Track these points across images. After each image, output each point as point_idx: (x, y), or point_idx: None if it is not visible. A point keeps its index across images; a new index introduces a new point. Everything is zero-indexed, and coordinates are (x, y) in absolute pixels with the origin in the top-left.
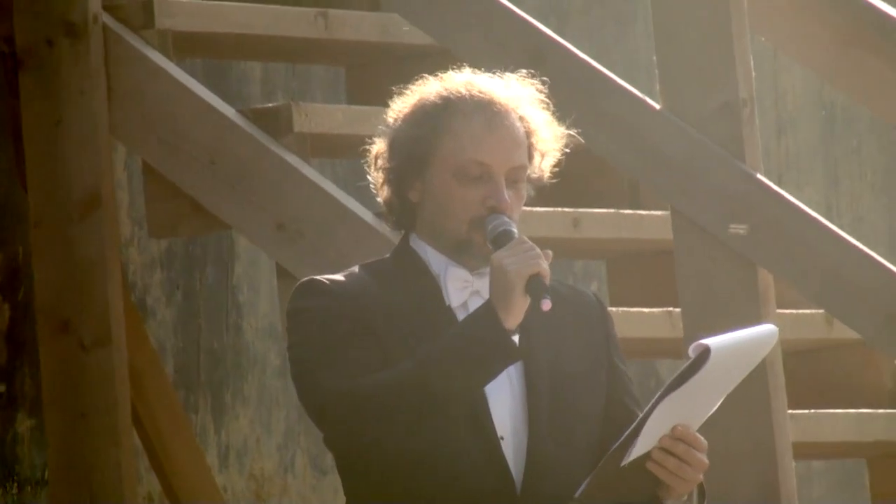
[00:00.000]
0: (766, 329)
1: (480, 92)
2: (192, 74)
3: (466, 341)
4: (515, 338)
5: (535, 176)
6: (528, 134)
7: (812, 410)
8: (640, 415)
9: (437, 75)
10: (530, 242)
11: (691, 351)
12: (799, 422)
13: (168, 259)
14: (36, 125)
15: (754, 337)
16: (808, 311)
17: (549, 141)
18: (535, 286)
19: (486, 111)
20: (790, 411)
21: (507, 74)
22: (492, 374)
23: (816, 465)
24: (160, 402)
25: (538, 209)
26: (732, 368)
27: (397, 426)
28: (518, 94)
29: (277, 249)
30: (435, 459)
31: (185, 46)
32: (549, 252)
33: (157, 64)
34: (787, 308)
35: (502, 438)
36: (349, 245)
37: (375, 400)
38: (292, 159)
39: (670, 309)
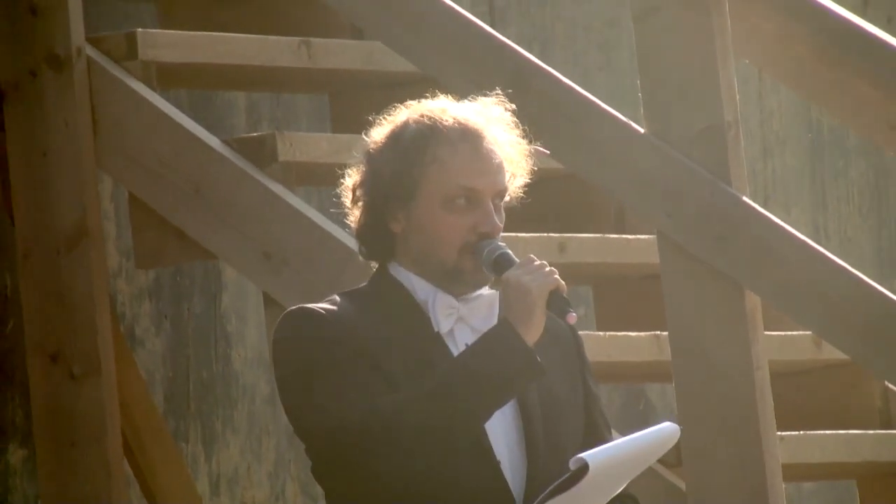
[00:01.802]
0: (666, 428)
1: (462, 118)
2: (177, 105)
3: (491, 360)
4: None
5: (507, 198)
6: (506, 156)
7: (801, 432)
8: None
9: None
10: (541, 260)
11: (571, 464)
12: (788, 444)
13: (156, 289)
14: (22, 157)
15: (650, 440)
16: (796, 332)
17: (519, 162)
18: (557, 301)
19: (470, 137)
20: (779, 433)
21: (480, 98)
22: (518, 391)
23: (807, 486)
24: (150, 431)
25: (524, 235)
26: (627, 466)
27: (417, 448)
28: (492, 117)
29: (264, 278)
30: (437, 484)
31: (169, 77)
32: (556, 269)
33: (141, 95)
34: (775, 330)
35: (499, 462)
36: (334, 273)
37: (400, 422)
38: (277, 188)
39: (657, 332)
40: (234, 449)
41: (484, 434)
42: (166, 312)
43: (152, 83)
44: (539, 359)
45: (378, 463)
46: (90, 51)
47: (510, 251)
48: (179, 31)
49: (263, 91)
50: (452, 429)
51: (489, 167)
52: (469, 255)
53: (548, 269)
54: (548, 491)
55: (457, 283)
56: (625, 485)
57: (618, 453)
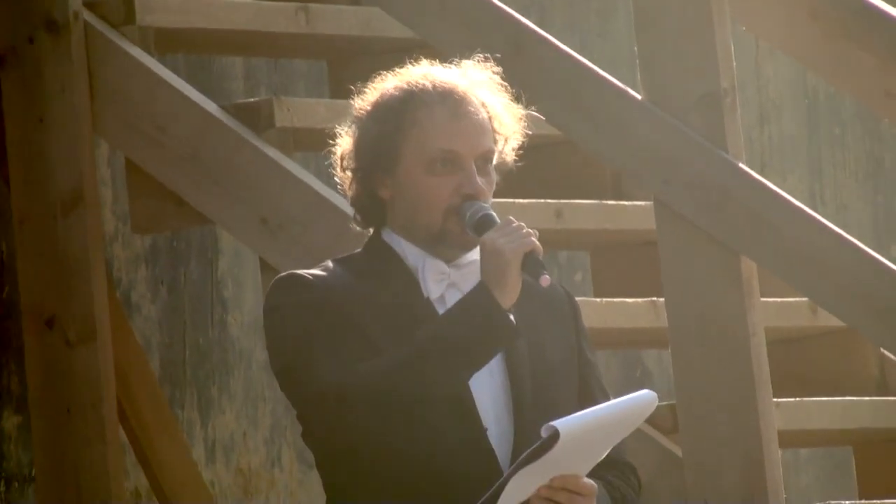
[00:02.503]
0: (643, 396)
1: (441, 82)
2: (174, 70)
3: (466, 323)
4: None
5: (499, 161)
6: (490, 119)
7: (797, 399)
8: (495, 485)
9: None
10: (518, 222)
11: (543, 431)
12: (784, 410)
13: (152, 255)
14: (18, 123)
15: (627, 408)
16: (792, 299)
17: (510, 124)
18: (532, 263)
19: (448, 100)
20: (775, 400)
21: (465, 61)
22: (492, 354)
23: (803, 453)
24: (146, 397)
25: (521, 200)
26: (605, 434)
27: (395, 413)
28: (477, 80)
29: (260, 244)
30: (422, 449)
31: (167, 42)
32: (536, 231)
33: (138, 60)
34: (771, 296)
35: (486, 429)
36: (331, 238)
37: (375, 387)
38: (274, 154)
39: (654, 299)
40: (230, 415)
41: (470, 398)
42: (163, 278)
43: (149, 48)
44: (523, 317)
45: (356, 427)
46: (87, 16)
47: (493, 213)
48: None
49: (261, 56)
50: (429, 392)
51: (469, 129)
52: (454, 218)
53: (525, 230)
54: (520, 459)
55: (444, 246)
56: (606, 451)
57: (591, 420)
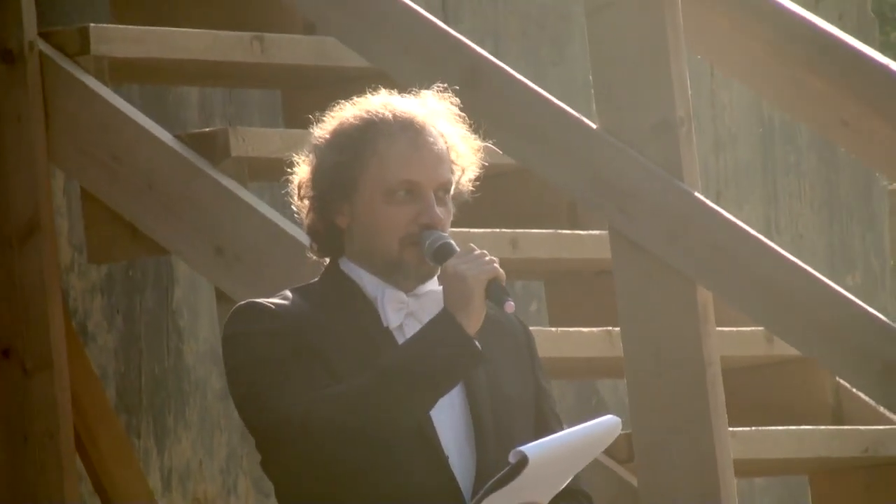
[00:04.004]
0: (607, 421)
1: (401, 112)
2: (129, 100)
3: (430, 349)
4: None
5: (456, 191)
6: (448, 149)
7: (753, 427)
8: None
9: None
10: (481, 249)
11: (511, 457)
12: (740, 439)
13: (108, 284)
14: None
15: (592, 433)
16: (747, 328)
17: (467, 155)
18: (495, 290)
19: (409, 130)
20: (731, 428)
21: (423, 92)
22: (458, 381)
23: (758, 481)
24: (102, 426)
25: (476, 230)
26: (570, 460)
27: (359, 441)
28: (435, 110)
29: (216, 274)
30: (384, 478)
31: (122, 72)
32: (497, 259)
33: (93, 90)
34: (726, 325)
35: (448, 457)
36: (287, 268)
37: (340, 414)
38: (229, 183)
39: (609, 328)
40: (186, 444)
41: (432, 428)
42: (118, 307)
43: (104, 78)
44: (481, 348)
45: (319, 455)
46: (42, 45)
47: (452, 241)
48: (132, 26)
49: (216, 86)
50: (393, 419)
51: (429, 159)
52: (412, 247)
53: (487, 258)
54: (489, 485)
55: (401, 275)
56: (570, 478)
57: (558, 446)
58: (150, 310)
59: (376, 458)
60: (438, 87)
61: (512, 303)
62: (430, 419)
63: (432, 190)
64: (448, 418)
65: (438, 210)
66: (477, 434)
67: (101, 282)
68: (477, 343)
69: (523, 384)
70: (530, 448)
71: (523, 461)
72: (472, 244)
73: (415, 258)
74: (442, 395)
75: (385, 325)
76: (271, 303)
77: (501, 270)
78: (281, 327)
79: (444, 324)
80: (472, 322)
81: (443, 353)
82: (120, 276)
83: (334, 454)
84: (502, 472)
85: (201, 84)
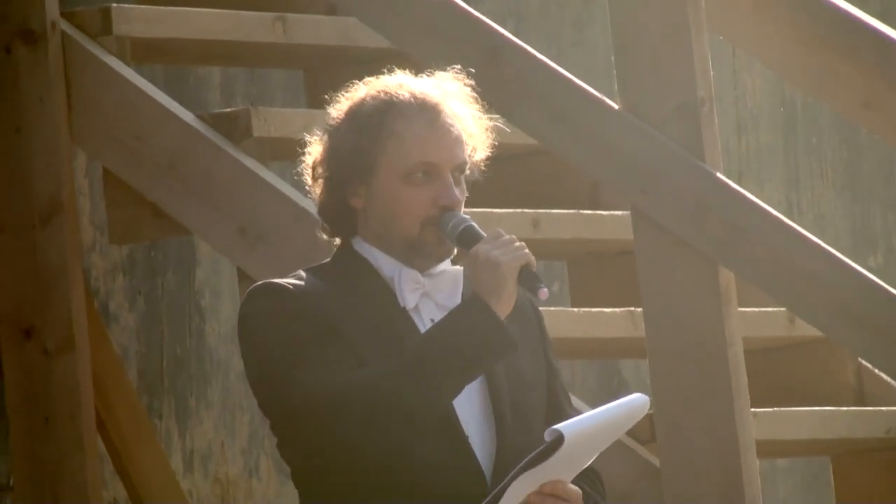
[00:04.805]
0: (636, 399)
1: (418, 93)
2: (152, 80)
3: (464, 335)
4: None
5: (469, 171)
6: (465, 129)
7: (775, 409)
8: (496, 488)
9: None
10: (509, 235)
11: (547, 435)
12: (762, 420)
13: (130, 265)
14: None
15: (621, 411)
16: (770, 309)
17: (479, 135)
18: (528, 277)
19: (426, 112)
20: (753, 409)
21: (438, 73)
22: (488, 366)
23: (780, 463)
24: (124, 407)
25: (498, 210)
26: (599, 438)
27: (393, 422)
28: (449, 91)
29: (238, 254)
30: (405, 459)
31: (144, 52)
32: (525, 244)
33: (115, 70)
34: (748, 306)
35: (468, 437)
36: (309, 248)
37: (369, 397)
38: (251, 164)
39: (632, 309)
40: (208, 425)
41: (452, 410)
42: (140, 288)
43: (127, 58)
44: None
45: (349, 438)
46: (64, 25)
47: (475, 224)
48: (154, 7)
49: (238, 66)
50: (425, 403)
51: (447, 140)
52: (431, 228)
53: (517, 243)
54: (524, 462)
55: (420, 256)
56: (595, 456)
57: (591, 424)
58: (171, 290)
59: (400, 440)
60: (453, 68)
61: (546, 289)
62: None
63: (449, 171)
64: (467, 399)
65: (456, 191)
66: (497, 415)
67: (123, 262)
68: (509, 330)
69: (537, 365)
70: (566, 426)
71: (559, 439)
72: (499, 229)
73: (435, 239)
74: (471, 381)
75: (402, 305)
76: (289, 283)
77: (532, 256)
78: (301, 307)
79: (477, 310)
80: (504, 308)
81: (476, 341)
82: (142, 257)
83: (362, 436)
84: (537, 451)
85: (223, 64)
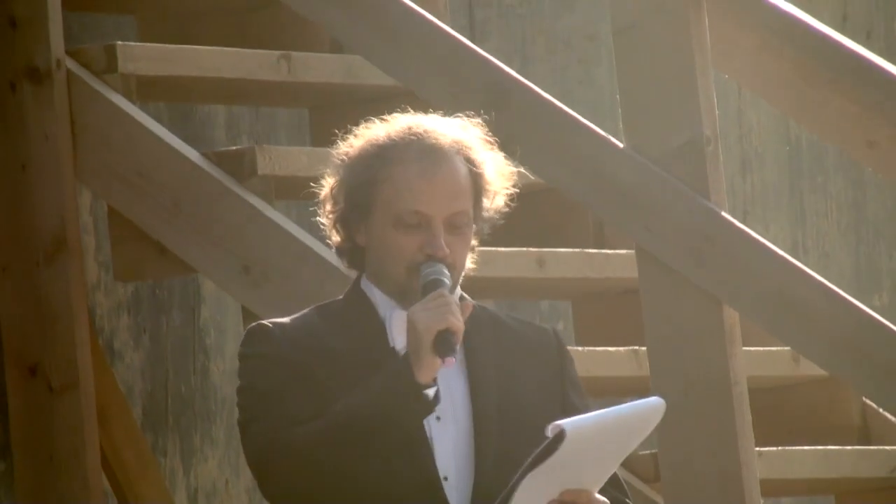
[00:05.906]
0: (650, 402)
1: (422, 136)
2: (157, 118)
3: (378, 397)
4: (432, 391)
5: (487, 216)
6: (476, 176)
7: (779, 448)
8: (503, 493)
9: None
10: (447, 295)
11: (549, 431)
12: (767, 459)
13: (135, 303)
14: (1, 169)
15: (634, 414)
16: (774, 348)
17: (497, 181)
18: (441, 342)
19: (424, 158)
20: (757, 448)
21: (455, 117)
22: (409, 428)
23: (785, 502)
24: (128, 445)
25: (502, 249)
26: (611, 440)
27: (328, 475)
28: (461, 137)
29: (243, 292)
30: (377, 496)
31: (149, 90)
32: (470, 303)
33: (120, 108)
34: (753, 345)
35: (446, 479)
36: (314, 286)
37: (305, 452)
38: (256, 202)
39: (636, 347)
40: (213, 463)
41: (429, 450)
42: (145, 326)
43: (132, 96)
44: (492, 363)
45: (300, 486)
46: (70, 63)
47: (445, 278)
48: (159, 45)
49: (243, 105)
50: (350, 461)
51: (440, 190)
52: (416, 275)
53: (447, 307)
54: (527, 463)
55: (407, 300)
56: (617, 465)
57: (597, 423)
58: (176, 328)
59: (357, 484)
60: (468, 114)
61: (453, 359)
62: (427, 440)
63: (441, 220)
64: (451, 436)
65: (448, 240)
66: (478, 456)
67: (128, 300)
68: (430, 391)
69: (544, 399)
70: (568, 422)
71: (560, 435)
72: (442, 290)
73: (418, 286)
74: (398, 441)
75: (392, 345)
76: (276, 324)
77: (457, 321)
78: (277, 353)
79: (396, 371)
80: (424, 371)
81: (391, 402)
82: (146, 295)
83: (309, 486)
84: (540, 448)
85: (228, 102)
